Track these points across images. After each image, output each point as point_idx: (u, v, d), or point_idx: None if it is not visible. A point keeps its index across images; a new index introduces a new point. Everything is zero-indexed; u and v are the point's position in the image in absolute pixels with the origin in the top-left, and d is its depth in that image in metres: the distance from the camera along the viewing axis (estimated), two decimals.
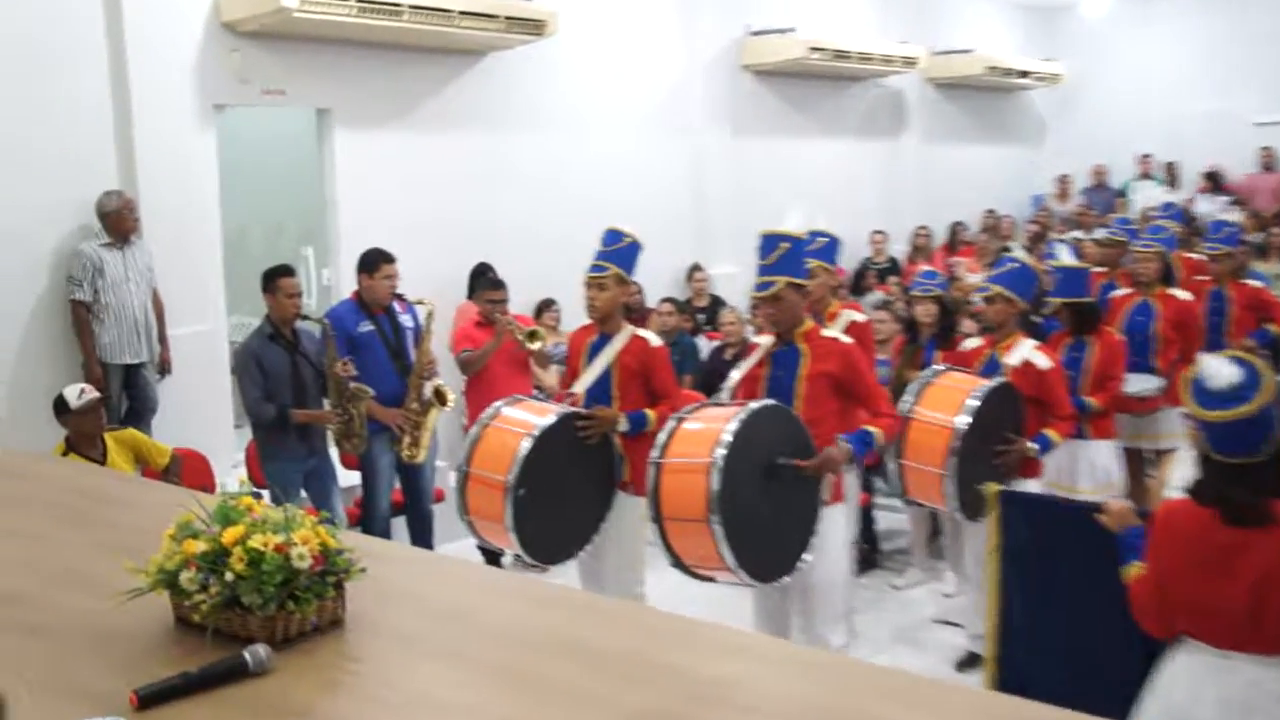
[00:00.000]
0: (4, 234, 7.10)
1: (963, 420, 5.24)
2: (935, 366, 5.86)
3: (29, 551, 3.20)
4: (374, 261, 6.65)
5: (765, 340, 5.13)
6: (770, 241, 4.93)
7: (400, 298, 6.74)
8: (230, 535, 2.42)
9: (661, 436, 4.66)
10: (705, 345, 9.64)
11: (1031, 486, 5.57)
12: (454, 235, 9.29)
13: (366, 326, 6.64)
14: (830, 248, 6.37)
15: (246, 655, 2.25)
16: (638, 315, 9.35)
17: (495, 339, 7.02)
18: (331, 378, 6.38)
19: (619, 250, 5.30)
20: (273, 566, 2.36)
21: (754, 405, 4.62)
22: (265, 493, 6.33)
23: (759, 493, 4.56)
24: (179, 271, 7.75)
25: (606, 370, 5.32)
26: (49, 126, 7.29)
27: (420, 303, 6.78)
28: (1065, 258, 6.74)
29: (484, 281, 7.45)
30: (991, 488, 4.63)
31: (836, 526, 4.98)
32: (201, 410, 7.81)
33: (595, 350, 5.38)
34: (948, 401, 5.34)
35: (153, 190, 7.63)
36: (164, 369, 7.56)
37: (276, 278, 6.37)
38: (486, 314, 7.22)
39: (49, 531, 3.40)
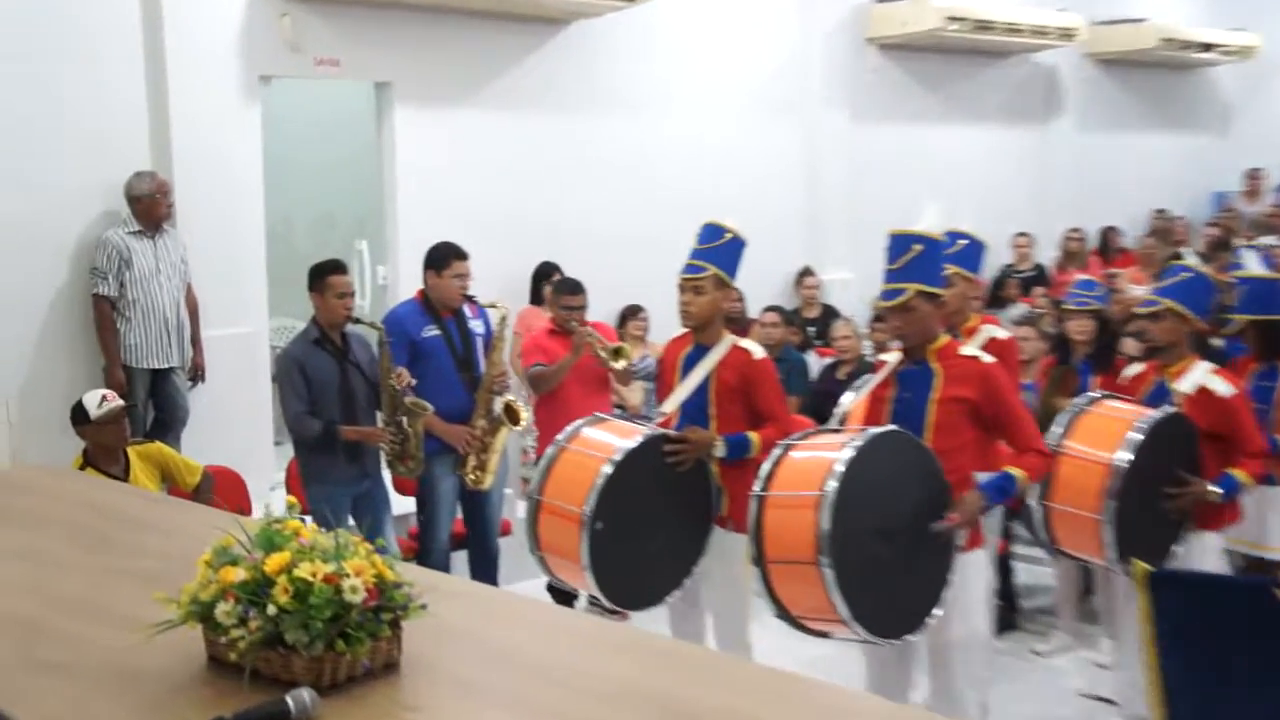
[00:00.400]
0: (20, 220, 7.27)
1: (1123, 456, 5.14)
2: (1090, 393, 5.76)
3: (43, 578, 3.26)
4: (444, 257, 6.71)
5: (891, 358, 5.08)
6: (901, 243, 4.88)
7: (471, 300, 6.77)
8: (274, 563, 2.43)
9: (766, 466, 4.65)
10: (815, 362, 9.61)
11: (1212, 541, 5.44)
12: (528, 230, 9.39)
13: (431, 331, 6.70)
14: (972, 252, 6.28)
15: (289, 701, 2.25)
16: (738, 327, 9.30)
17: (573, 352, 7.03)
18: (386, 390, 6.43)
19: (719, 248, 5.30)
20: (322, 600, 2.37)
21: (874, 432, 4.58)
22: (308, 518, 6.38)
23: (880, 534, 4.51)
24: (216, 265, 7.88)
25: (703, 386, 5.32)
26: (72, 100, 7.46)
27: (493, 306, 6.82)
28: (1254, 267, 6.59)
29: (562, 285, 7.45)
30: (1139, 569, 4.45)
31: (976, 576, 4.91)
32: (237, 423, 7.94)
33: (690, 363, 5.39)
34: (1105, 434, 5.24)
35: (189, 173, 7.78)
36: (196, 375, 7.71)
37: (325, 275, 6.44)
38: (561, 322, 7.23)
39: (65, 555, 3.46)
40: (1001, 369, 4.97)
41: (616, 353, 6.91)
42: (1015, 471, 4.77)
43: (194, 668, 2.50)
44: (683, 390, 5.35)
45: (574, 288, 7.31)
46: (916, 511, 4.59)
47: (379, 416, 6.59)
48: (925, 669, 4.98)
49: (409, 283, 8.19)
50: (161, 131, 7.74)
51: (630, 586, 5.04)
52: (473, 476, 6.74)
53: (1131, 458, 5.12)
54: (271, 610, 2.39)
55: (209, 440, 7.55)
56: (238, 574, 2.45)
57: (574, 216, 9.67)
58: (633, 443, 4.96)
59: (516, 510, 7.66)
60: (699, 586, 5.34)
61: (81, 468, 6.07)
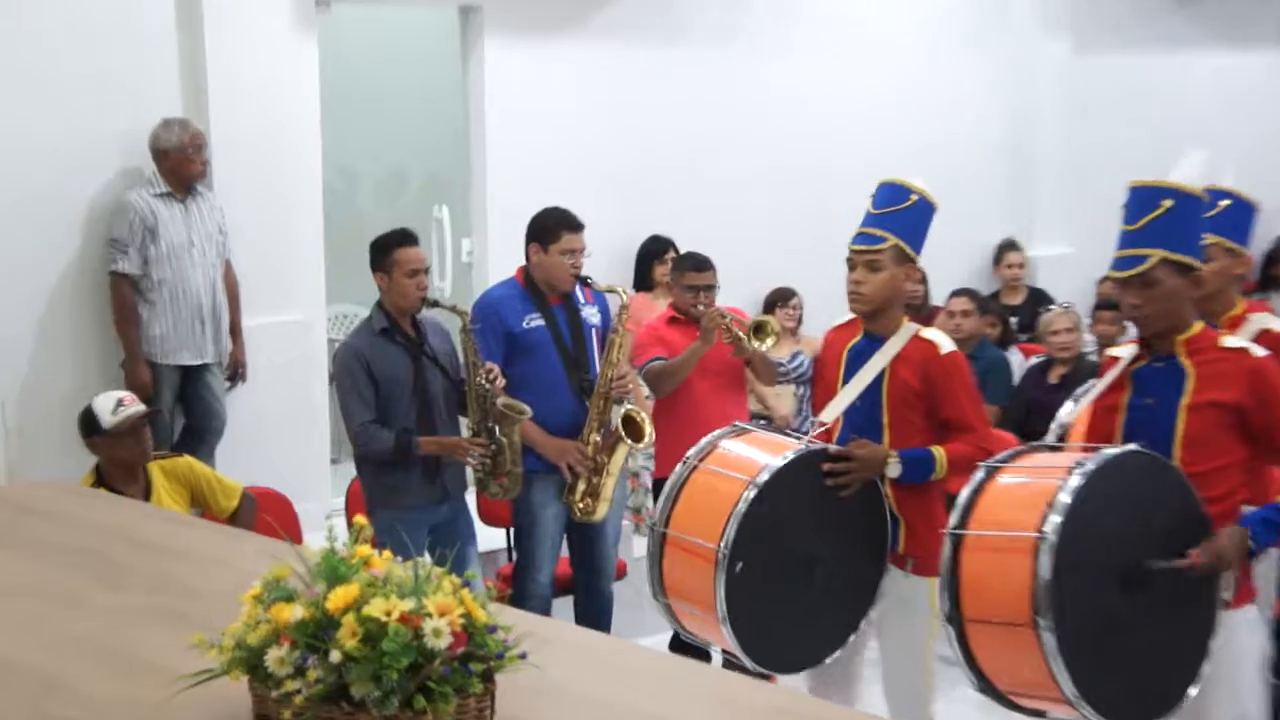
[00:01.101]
0: (19, 180, 7.37)
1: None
2: None
3: (52, 618, 3.34)
4: (552, 228, 6.74)
5: (1123, 352, 5.01)
6: (1145, 197, 4.76)
7: (585, 282, 6.84)
8: (339, 599, 2.48)
9: (965, 494, 4.60)
10: (1018, 362, 9.51)
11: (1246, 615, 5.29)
12: (650, 193, 9.42)
13: (534, 320, 6.77)
14: (1239, 217, 6.02)
15: None
16: (920, 316, 9.23)
17: (702, 340, 7.02)
18: (472, 389, 6.49)
19: (902, 214, 5.26)
20: (398, 645, 2.41)
21: (1108, 452, 4.50)
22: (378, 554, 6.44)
23: (1117, 586, 4.43)
24: (261, 237, 7.98)
25: (874, 388, 5.26)
26: (83, 31, 7.53)
27: (613, 290, 6.85)
28: None
29: (685, 260, 7.40)
30: None
31: (1246, 642, 4.78)
32: (287, 435, 8.03)
33: (858, 358, 5.34)
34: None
35: (228, 120, 7.89)
36: (236, 374, 7.81)
37: (392, 248, 6.47)
38: (684, 306, 7.26)
39: (78, 590, 3.55)
40: (1276, 367, 4.85)
41: (758, 329, 6.88)
42: None
43: None
44: (848, 393, 5.30)
45: (699, 263, 7.31)
46: (1165, 557, 4.50)
47: (464, 424, 6.66)
48: None
49: (501, 259, 8.23)
50: (195, 70, 7.84)
51: (779, 643, 4.99)
52: (582, 505, 6.76)
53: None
54: (336, 657, 2.42)
55: (251, 455, 7.65)
56: (294, 612, 2.49)
57: (704, 178, 9.71)
58: (782, 460, 4.92)
59: (634, 548, 7.66)
60: (860, 645, 5.33)
61: (93, 486, 6.15)
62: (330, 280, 8.46)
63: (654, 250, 9.16)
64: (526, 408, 6.49)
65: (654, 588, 5.08)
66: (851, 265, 5.28)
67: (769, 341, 6.90)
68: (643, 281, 9.17)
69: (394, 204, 10.34)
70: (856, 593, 5.23)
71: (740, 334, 6.88)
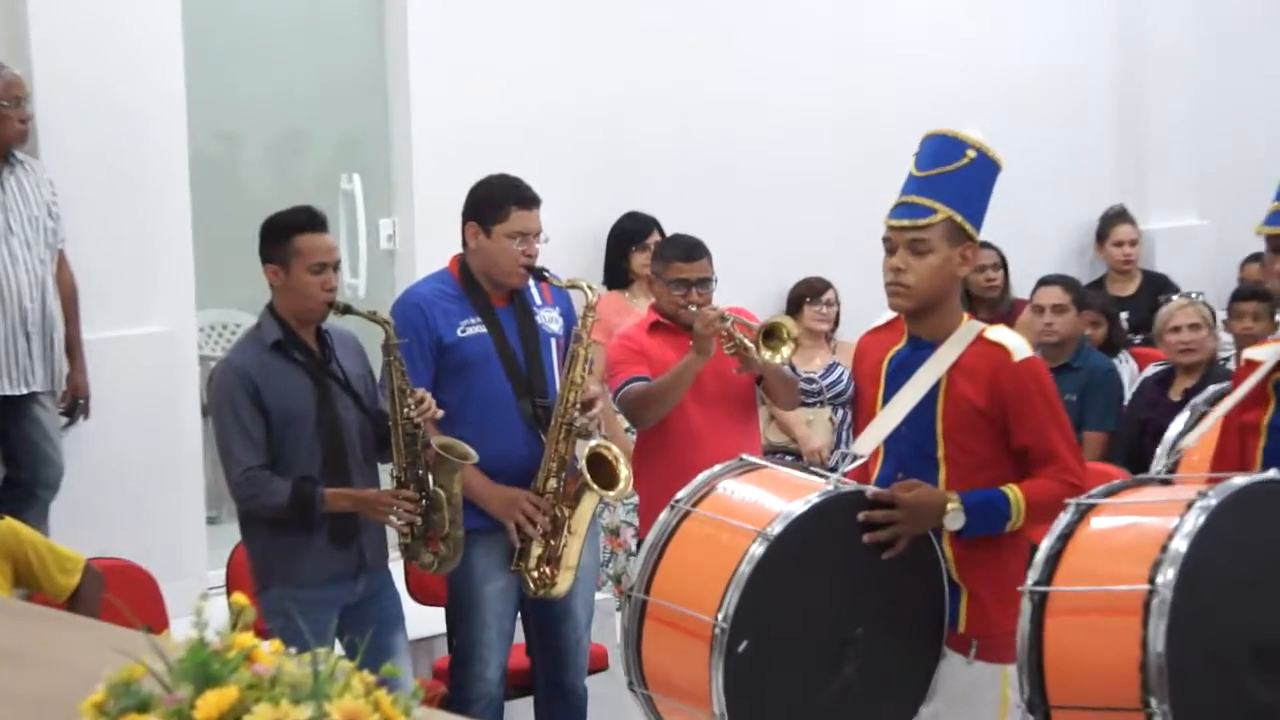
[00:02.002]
0: None
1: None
2: None
3: None
4: (498, 202, 6.79)
5: (1265, 354, 5.03)
6: None
7: (541, 276, 6.90)
8: (211, 706, 2.50)
9: (1048, 540, 4.63)
10: (1130, 372, 9.57)
11: None
12: (626, 159, 9.51)
13: (472, 326, 6.82)
14: None
15: None
16: (994, 312, 9.32)
17: (695, 352, 6.99)
18: (398, 425, 6.48)
19: (953, 176, 5.26)
20: None
21: (1236, 483, 4.53)
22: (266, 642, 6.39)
23: (1254, 658, 4.47)
24: (107, 221, 8.00)
25: (926, 408, 5.29)
26: None
27: (575, 286, 6.89)
28: None
29: (669, 247, 7.40)
30: None
31: None
32: (147, 486, 8.04)
33: (901, 369, 5.38)
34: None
35: (58, 64, 7.91)
36: (75, 406, 7.81)
37: (292, 234, 6.45)
38: (670, 308, 7.28)
39: None
40: None
41: (769, 334, 6.84)
42: None
43: None
44: (889, 417, 5.31)
45: (689, 248, 7.29)
46: None
47: (389, 471, 6.64)
48: None
49: (432, 246, 8.30)
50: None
51: None
52: (537, 575, 6.77)
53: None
54: None
55: (98, 515, 7.65)
56: None
57: (700, 140, 9.80)
58: (803, 505, 4.91)
59: (613, 631, 7.67)
60: None
61: None
62: (203, 278, 8.47)
63: (631, 233, 9.24)
64: (470, 450, 6.49)
65: (630, 674, 5.07)
66: (890, 246, 5.28)
67: (785, 351, 6.85)
68: (616, 275, 9.26)
69: (287, 175, 10.32)
70: (901, 686, 5.23)
71: (746, 341, 6.84)
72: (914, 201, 5.25)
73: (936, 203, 5.22)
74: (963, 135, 5.29)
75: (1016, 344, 5.33)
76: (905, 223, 5.22)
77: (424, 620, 7.37)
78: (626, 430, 7.61)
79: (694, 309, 7.06)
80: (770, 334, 6.85)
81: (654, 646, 5.00)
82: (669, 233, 8.48)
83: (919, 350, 5.34)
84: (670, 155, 9.66)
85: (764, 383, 7.18)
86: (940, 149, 5.30)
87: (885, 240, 5.29)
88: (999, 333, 5.37)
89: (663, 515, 5.10)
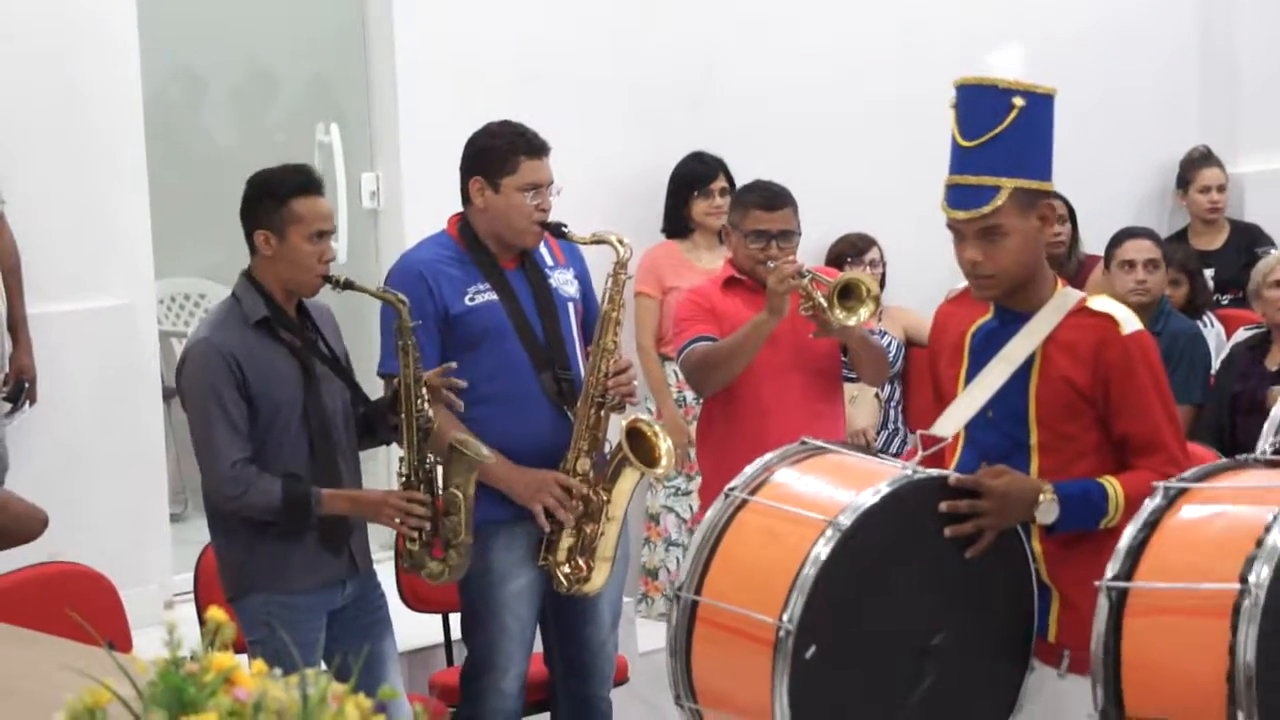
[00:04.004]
0: None
1: None
2: None
3: None
4: (504, 154, 6.79)
5: None
6: None
7: (559, 231, 6.86)
8: None
9: (1130, 529, 4.70)
10: (1218, 337, 9.57)
11: None
12: (650, 103, 9.50)
13: (482, 293, 6.85)
14: None
15: None
16: (1067, 272, 9.25)
17: (768, 312, 7.05)
18: (411, 417, 6.49)
19: (1005, 138, 5.22)
20: None
21: None
22: (245, 655, 6.39)
23: None
24: (53, 180, 7.96)
25: (1017, 387, 5.29)
26: None
27: (603, 241, 6.83)
28: None
29: (750, 193, 7.41)
30: None
31: None
32: (103, 480, 8.01)
33: (987, 343, 5.39)
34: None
35: None
36: (20, 391, 7.78)
37: (287, 197, 6.44)
38: (746, 264, 7.30)
39: None
40: None
41: (845, 292, 6.83)
42: None
43: None
44: (974, 396, 5.33)
45: (772, 196, 7.34)
46: None
47: (398, 466, 6.61)
48: None
49: (422, 206, 8.31)
50: None
51: None
52: (567, 569, 6.74)
53: None
54: None
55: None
56: None
57: (727, 80, 9.79)
58: (875, 495, 4.93)
59: (638, 637, 7.70)
60: None
61: None
62: (161, 243, 8.44)
63: (694, 176, 9.22)
64: (487, 450, 6.48)
65: (677, 687, 5.07)
66: (958, 234, 5.24)
67: (863, 312, 6.87)
68: (675, 222, 9.27)
69: (256, 125, 10.40)
70: (985, 701, 5.25)
71: (822, 299, 6.84)
72: (970, 183, 5.22)
73: (996, 178, 5.20)
74: (1001, 82, 5.26)
75: (1125, 315, 5.30)
76: (969, 215, 5.19)
77: (419, 629, 7.38)
78: (686, 400, 7.56)
79: (772, 265, 7.07)
80: (846, 292, 6.89)
81: (706, 653, 4.99)
82: (739, 181, 8.47)
83: (1009, 323, 5.34)
84: (692, 96, 9.68)
85: (848, 350, 7.20)
86: (982, 105, 5.25)
87: (951, 228, 5.26)
88: (1103, 302, 5.37)
89: (715, 505, 5.09)
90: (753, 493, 5.05)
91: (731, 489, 5.08)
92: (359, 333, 7.63)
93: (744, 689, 4.87)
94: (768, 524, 4.98)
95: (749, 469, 5.14)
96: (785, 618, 4.74)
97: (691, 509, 8.61)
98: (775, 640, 4.74)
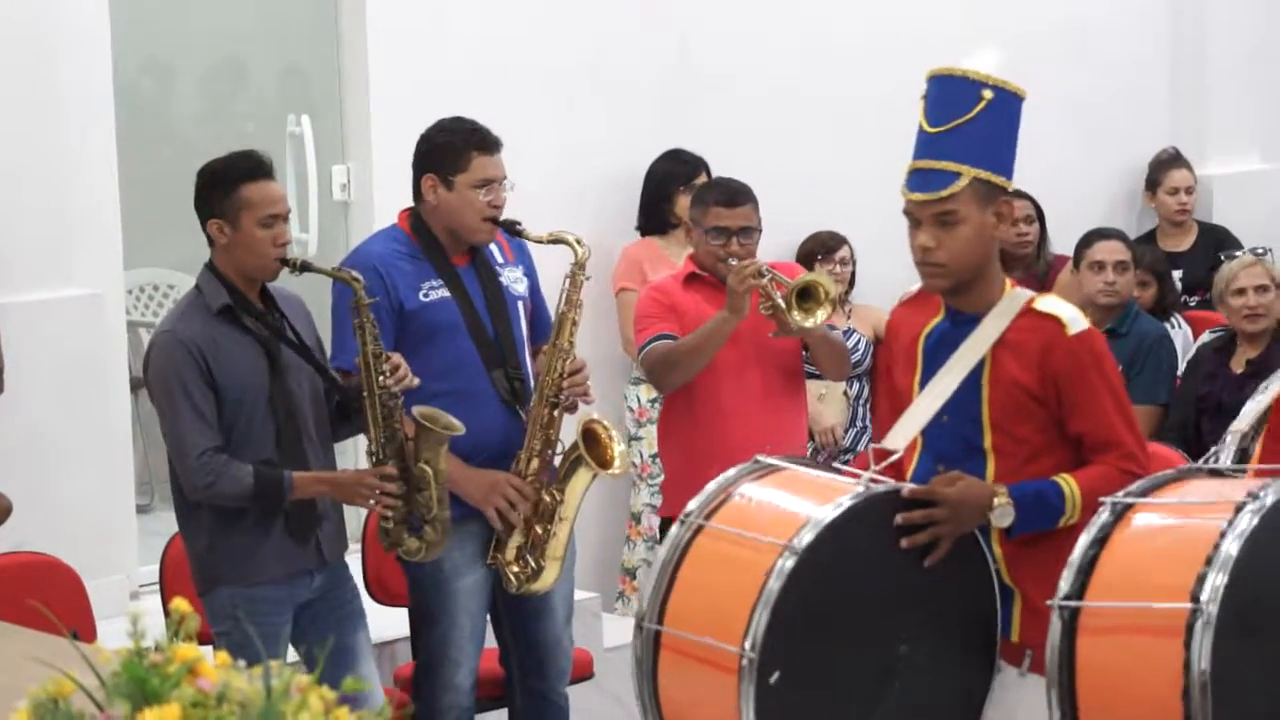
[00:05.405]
0: None
1: None
2: None
3: None
4: (457, 150, 6.82)
5: None
6: None
7: (514, 229, 6.89)
8: None
9: (1081, 545, 4.70)
10: (1185, 339, 9.58)
11: None
12: (622, 97, 9.50)
13: (435, 290, 6.86)
14: None
15: None
16: (1035, 273, 9.33)
17: (729, 310, 7.06)
18: (375, 397, 6.49)
19: (972, 127, 5.23)
20: None
21: None
22: (211, 647, 6.42)
23: None
24: (17, 168, 7.98)
25: (969, 391, 5.30)
26: None
27: (560, 240, 6.89)
28: None
29: (710, 191, 7.47)
30: None
31: None
32: (69, 470, 8.04)
33: (939, 347, 5.39)
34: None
35: None
36: None
37: (237, 184, 6.45)
38: (708, 261, 7.33)
39: None
40: None
41: (803, 294, 6.86)
42: None
43: None
44: (927, 402, 5.33)
45: (732, 193, 7.36)
46: None
47: (369, 447, 6.63)
48: None
49: (393, 197, 8.16)
50: None
51: None
52: (516, 569, 6.77)
53: None
54: None
55: (14, 504, 7.48)
56: None
57: (700, 72, 9.79)
58: (834, 510, 4.93)
59: (604, 633, 7.74)
60: None
61: None
62: (131, 233, 8.46)
63: (674, 175, 9.25)
64: (455, 421, 6.49)
65: (647, 715, 5.07)
66: (914, 221, 5.25)
67: (819, 315, 6.89)
68: (652, 218, 9.31)
69: (228, 115, 10.33)
70: (951, 704, 5.25)
71: (780, 299, 6.87)
72: (931, 167, 5.22)
73: (957, 164, 5.18)
74: (973, 73, 5.25)
75: (1070, 315, 5.30)
76: (926, 196, 5.18)
77: (386, 622, 7.40)
78: (651, 401, 7.64)
79: (734, 263, 7.06)
80: (805, 294, 6.90)
81: (672, 682, 5.01)
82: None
83: (960, 325, 5.33)
84: (663, 88, 9.69)
85: (809, 348, 7.21)
86: (951, 95, 5.26)
87: (907, 214, 5.27)
88: (1049, 302, 5.36)
89: (672, 531, 5.12)
90: (709, 516, 5.04)
91: (688, 514, 5.06)
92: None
93: (711, 716, 4.89)
94: (725, 549, 4.97)
95: (707, 489, 5.12)
96: (748, 645, 4.74)
97: None
98: (739, 667, 4.74)
